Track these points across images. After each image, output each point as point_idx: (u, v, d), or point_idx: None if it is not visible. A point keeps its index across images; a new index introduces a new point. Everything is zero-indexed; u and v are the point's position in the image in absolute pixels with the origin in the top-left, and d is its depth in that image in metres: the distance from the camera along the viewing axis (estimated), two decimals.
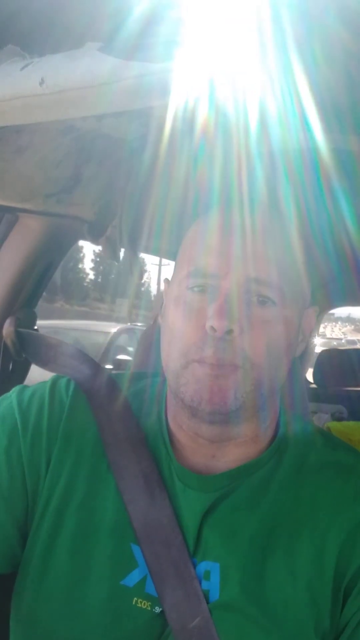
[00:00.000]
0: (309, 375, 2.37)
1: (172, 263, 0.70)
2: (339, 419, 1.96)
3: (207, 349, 0.55)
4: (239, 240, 0.57)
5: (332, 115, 0.48)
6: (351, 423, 1.65)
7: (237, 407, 0.57)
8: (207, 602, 0.57)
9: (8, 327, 0.97)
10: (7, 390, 0.71)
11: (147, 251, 1.20)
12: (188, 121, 0.51)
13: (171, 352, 0.59)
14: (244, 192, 0.59)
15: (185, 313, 0.58)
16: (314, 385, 2.36)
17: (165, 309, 0.64)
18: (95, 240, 1.00)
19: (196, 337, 0.56)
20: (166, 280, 0.68)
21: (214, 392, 0.56)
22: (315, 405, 2.05)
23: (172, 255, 1.23)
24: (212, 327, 0.55)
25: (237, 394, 0.56)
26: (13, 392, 0.69)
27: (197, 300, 0.58)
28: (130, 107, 0.49)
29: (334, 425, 1.60)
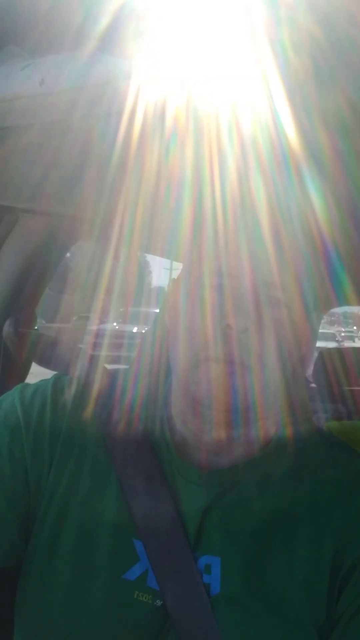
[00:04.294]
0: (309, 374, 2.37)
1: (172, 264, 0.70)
2: (339, 419, 1.95)
3: (222, 347, 0.56)
4: (254, 242, 0.58)
5: (301, 109, 0.48)
6: (351, 423, 1.65)
7: (247, 407, 0.58)
8: (209, 596, 0.58)
9: (8, 328, 0.97)
10: (9, 389, 0.71)
11: (147, 251, 1.20)
12: (190, 120, 0.51)
13: (182, 349, 0.60)
14: (255, 195, 0.59)
15: (200, 311, 0.59)
16: (313, 385, 2.36)
17: (174, 308, 0.64)
18: (95, 240, 1.00)
19: (211, 334, 0.57)
20: (173, 280, 0.68)
21: (226, 392, 0.56)
22: (315, 405, 2.05)
23: (172, 255, 1.23)
24: (228, 325, 0.55)
25: (248, 393, 0.57)
26: (15, 390, 0.69)
27: (212, 299, 0.59)
28: (132, 106, 0.49)
29: (334, 425, 1.60)
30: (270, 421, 0.65)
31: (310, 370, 2.41)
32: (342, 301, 2.33)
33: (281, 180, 0.60)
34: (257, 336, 0.57)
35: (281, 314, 0.58)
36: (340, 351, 2.45)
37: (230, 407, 0.57)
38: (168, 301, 0.67)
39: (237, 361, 0.56)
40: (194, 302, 0.60)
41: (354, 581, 0.59)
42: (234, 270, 0.58)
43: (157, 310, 0.96)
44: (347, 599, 0.58)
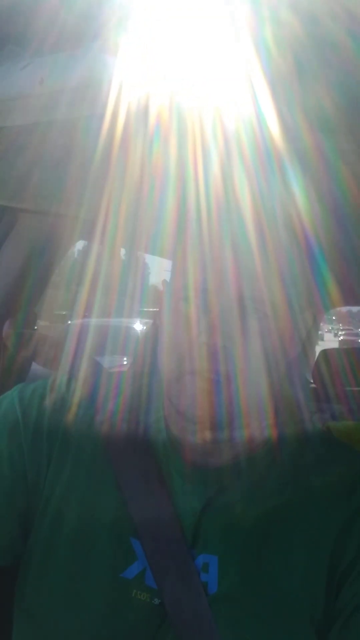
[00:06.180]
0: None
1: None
2: (339, 419, 1.95)
3: (200, 362, 0.56)
4: (232, 255, 0.57)
5: (285, 107, 0.48)
6: (351, 423, 1.65)
7: (230, 417, 0.58)
8: (206, 594, 0.58)
9: (8, 328, 0.97)
10: (8, 389, 0.71)
11: (147, 251, 1.20)
12: (205, 119, 0.51)
13: (165, 361, 0.60)
14: (232, 204, 0.58)
15: (179, 324, 0.59)
16: (313, 385, 2.36)
17: (162, 313, 0.64)
18: (95, 240, 1.00)
19: (189, 349, 0.57)
20: (164, 281, 0.68)
21: (206, 405, 0.57)
22: (315, 405, 2.05)
23: (170, 255, 1.23)
24: (206, 343, 0.55)
25: (229, 405, 0.57)
26: (14, 390, 0.70)
27: (190, 313, 0.58)
28: (132, 105, 0.49)
29: (334, 425, 1.60)
30: (263, 424, 0.65)
31: (310, 371, 2.42)
32: (329, 305, 2.33)
33: (265, 178, 0.60)
34: (237, 349, 0.56)
35: (263, 325, 0.58)
36: (339, 352, 2.46)
37: (212, 419, 0.57)
38: (161, 305, 0.67)
39: (216, 376, 0.56)
40: (175, 314, 0.60)
41: (353, 578, 0.59)
42: (207, 284, 0.57)
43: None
44: (346, 596, 0.59)
